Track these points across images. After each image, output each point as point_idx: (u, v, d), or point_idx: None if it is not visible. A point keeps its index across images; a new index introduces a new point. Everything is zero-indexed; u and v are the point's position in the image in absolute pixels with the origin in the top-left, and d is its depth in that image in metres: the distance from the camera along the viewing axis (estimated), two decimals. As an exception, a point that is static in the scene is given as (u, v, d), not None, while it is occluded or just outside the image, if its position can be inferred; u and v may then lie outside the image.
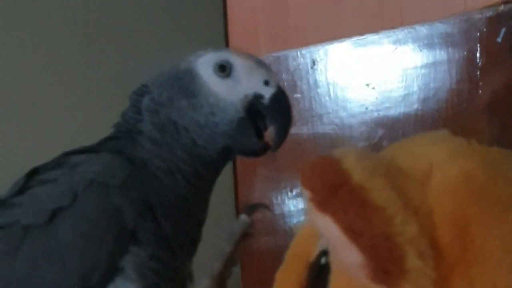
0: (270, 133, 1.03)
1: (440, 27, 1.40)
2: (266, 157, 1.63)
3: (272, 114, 1.03)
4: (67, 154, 1.05)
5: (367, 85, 1.48)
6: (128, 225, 0.97)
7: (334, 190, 0.70)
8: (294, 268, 0.89)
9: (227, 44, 1.73)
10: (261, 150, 1.05)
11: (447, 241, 0.73)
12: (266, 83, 1.03)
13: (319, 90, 1.57)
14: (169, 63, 1.09)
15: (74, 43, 1.64)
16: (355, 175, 0.71)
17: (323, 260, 0.83)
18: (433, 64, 1.40)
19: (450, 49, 1.38)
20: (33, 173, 1.04)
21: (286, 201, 1.62)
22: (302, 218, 1.61)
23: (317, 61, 1.57)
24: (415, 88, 1.43)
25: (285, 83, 1.52)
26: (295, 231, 0.96)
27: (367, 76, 1.49)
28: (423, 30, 1.42)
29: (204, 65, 1.04)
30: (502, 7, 1.31)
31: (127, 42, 1.69)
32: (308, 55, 1.58)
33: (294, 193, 1.61)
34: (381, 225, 0.69)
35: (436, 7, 1.44)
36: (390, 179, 0.73)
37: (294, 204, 1.61)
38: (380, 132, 1.48)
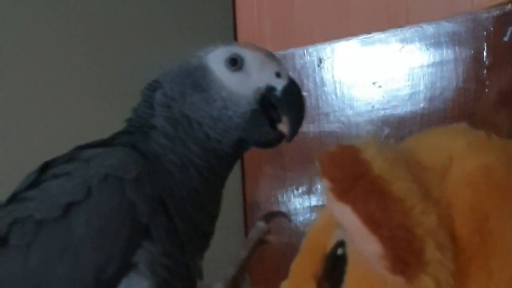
0: (284, 123, 1.03)
1: (447, 26, 1.40)
2: (273, 155, 1.64)
3: (286, 105, 1.02)
4: (80, 148, 1.05)
5: (374, 83, 1.48)
6: (142, 219, 0.96)
7: (354, 180, 0.70)
8: (309, 259, 0.88)
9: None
10: (276, 140, 1.04)
11: (465, 233, 0.73)
12: (278, 75, 1.03)
13: (325, 89, 1.57)
14: (178, 59, 1.09)
15: (83, 40, 1.63)
16: (375, 166, 0.71)
17: (339, 251, 0.82)
18: (440, 63, 1.41)
19: (456, 48, 1.39)
20: (45, 167, 1.04)
21: (292, 199, 1.62)
22: (307, 216, 1.61)
23: (324, 60, 1.57)
24: (422, 87, 1.43)
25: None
26: (308, 226, 0.95)
27: (374, 75, 1.49)
28: (430, 29, 1.42)
29: (215, 59, 1.04)
30: (509, 6, 1.32)
31: (136, 40, 1.69)
32: (314, 53, 1.58)
33: (299, 191, 1.61)
34: (400, 216, 0.69)
35: (443, 6, 1.44)
36: (410, 171, 0.73)
37: (299, 202, 1.61)
38: (387, 130, 1.48)
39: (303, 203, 1.61)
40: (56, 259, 0.95)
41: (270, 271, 1.62)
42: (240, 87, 1.02)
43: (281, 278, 1.64)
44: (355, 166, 0.71)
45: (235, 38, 1.74)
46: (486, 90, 1.34)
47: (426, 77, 1.43)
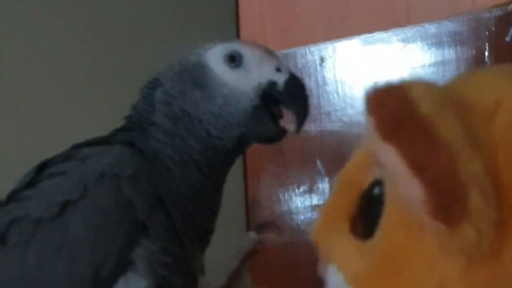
0: (285, 119, 1.03)
1: (449, 26, 1.39)
2: (274, 154, 1.64)
3: (289, 98, 1.03)
4: (77, 147, 1.05)
5: (376, 83, 1.47)
6: (140, 217, 0.97)
7: (400, 120, 0.66)
8: (343, 197, 0.82)
9: (237, 41, 1.73)
10: (279, 135, 1.04)
11: (510, 181, 0.69)
12: (278, 70, 1.03)
13: (327, 88, 1.56)
14: (178, 57, 1.08)
15: (83, 37, 1.63)
16: (423, 106, 0.67)
17: (376, 191, 0.77)
18: (442, 63, 1.40)
19: (458, 47, 1.38)
20: (42, 166, 1.04)
21: (293, 197, 1.62)
22: (309, 215, 1.60)
23: (326, 59, 1.56)
24: (423, 87, 1.42)
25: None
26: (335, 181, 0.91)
27: (376, 74, 1.48)
28: (431, 28, 1.42)
29: (214, 57, 1.04)
30: (511, 6, 1.31)
31: (138, 38, 1.68)
32: (316, 52, 1.57)
33: (301, 189, 1.60)
34: (446, 160, 0.65)
35: (444, 5, 1.43)
36: (457, 113, 0.70)
37: (301, 201, 1.60)
38: (388, 130, 1.47)
39: (304, 201, 1.60)
40: (53, 257, 0.95)
41: (271, 270, 1.62)
42: (240, 84, 1.02)
43: (283, 277, 1.64)
44: (402, 106, 0.67)
45: (238, 37, 1.73)
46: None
47: (428, 76, 1.42)
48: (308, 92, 1.05)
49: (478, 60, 1.35)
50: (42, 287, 0.96)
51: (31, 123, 1.56)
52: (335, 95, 1.55)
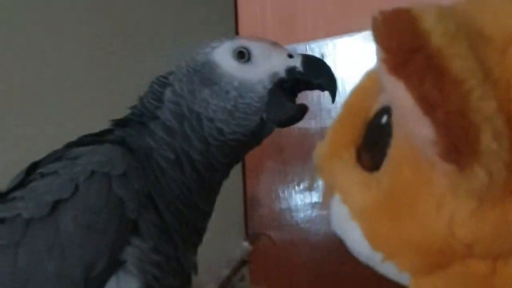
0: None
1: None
2: (274, 151, 1.63)
3: (313, 74, 1.03)
4: (70, 145, 1.04)
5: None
6: (130, 215, 0.96)
7: (410, 54, 0.62)
8: (350, 124, 0.80)
9: (236, 37, 1.71)
10: (299, 113, 1.04)
11: None
12: (291, 56, 1.04)
13: (327, 84, 1.55)
14: (183, 56, 1.08)
15: (82, 35, 1.62)
16: (435, 38, 0.63)
17: (383, 119, 0.74)
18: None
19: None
20: (33, 167, 1.03)
21: (293, 195, 1.61)
22: (308, 212, 1.59)
23: (326, 55, 1.55)
24: (424, 83, 1.41)
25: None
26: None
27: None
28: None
29: (222, 54, 1.04)
30: None
31: (137, 35, 1.68)
32: (317, 49, 1.56)
33: (301, 187, 1.60)
34: (458, 99, 0.61)
35: (446, 2, 1.42)
36: (471, 45, 0.65)
37: (300, 198, 1.59)
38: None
39: (304, 199, 1.60)
40: (44, 257, 0.94)
41: (270, 268, 1.61)
42: (253, 76, 1.03)
43: (282, 275, 1.63)
44: (412, 38, 0.63)
45: (237, 33, 1.72)
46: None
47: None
48: (327, 63, 1.04)
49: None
50: (33, 286, 0.95)
51: (30, 121, 1.55)
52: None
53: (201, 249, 1.10)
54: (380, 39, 0.65)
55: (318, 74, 1.03)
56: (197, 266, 1.08)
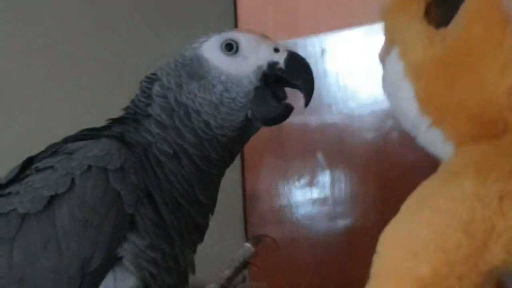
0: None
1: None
2: (274, 146, 1.62)
3: (293, 73, 1.02)
4: (66, 141, 1.03)
5: (377, 74, 1.45)
6: (127, 209, 0.95)
7: None
8: None
9: (236, 32, 1.70)
10: (285, 112, 1.03)
11: None
12: (277, 50, 1.03)
13: (328, 80, 1.53)
14: (174, 52, 1.07)
15: (82, 29, 1.61)
16: None
17: None
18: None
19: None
20: (28, 162, 1.02)
21: (293, 191, 1.60)
22: (309, 208, 1.59)
23: (327, 50, 1.54)
24: (426, 78, 1.40)
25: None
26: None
27: (378, 66, 1.46)
28: (435, 19, 1.39)
29: (210, 48, 1.03)
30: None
31: (136, 29, 1.67)
32: (317, 43, 1.55)
33: (301, 182, 1.59)
34: None
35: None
36: None
37: (301, 194, 1.59)
38: (390, 123, 1.46)
39: (304, 195, 1.59)
40: (40, 252, 0.93)
41: (271, 265, 1.61)
42: (239, 69, 1.02)
43: (282, 271, 1.62)
44: None
45: (236, 27, 1.71)
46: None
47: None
48: (310, 65, 1.04)
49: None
50: (29, 282, 0.93)
51: (27, 120, 1.54)
52: (336, 87, 1.53)
53: (199, 246, 1.08)
54: None
55: (298, 75, 1.03)
56: (195, 265, 1.07)
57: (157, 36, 1.68)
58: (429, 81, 0.72)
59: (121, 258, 0.95)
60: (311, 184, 1.58)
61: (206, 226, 1.07)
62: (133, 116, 1.05)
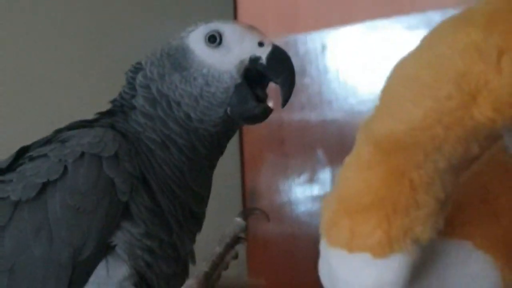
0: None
1: (453, 14, 1.36)
2: (274, 143, 1.62)
3: (273, 71, 0.99)
4: (59, 131, 1.02)
5: (378, 71, 1.45)
6: (121, 197, 0.94)
7: None
8: None
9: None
10: (263, 113, 1.01)
11: None
12: (261, 44, 1.00)
13: (328, 76, 1.53)
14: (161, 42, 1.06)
15: (82, 29, 1.61)
16: None
17: None
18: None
19: (463, 35, 1.35)
20: (22, 151, 1.01)
21: (293, 187, 1.60)
22: (309, 205, 1.59)
23: (327, 46, 1.54)
24: (427, 75, 1.40)
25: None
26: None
27: (378, 62, 1.46)
28: (435, 16, 1.39)
29: (195, 38, 1.01)
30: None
31: (134, 21, 1.67)
32: (318, 39, 1.55)
33: (301, 179, 1.59)
34: None
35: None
36: None
37: (301, 191, 1.59)
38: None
39: (304, 192, 1.59)
40: (31, 240, 0.92)
41: (270, 261, 1.61)
42: (222, 63, 1.00)
43: (282, 268, 1.62)
44: None
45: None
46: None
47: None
48: (293, 63, 1.01)
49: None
50: (20, 270, 0.92)
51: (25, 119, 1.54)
52: (336, 84, 1.53)
53: (199, 244, 1.08)
54: None
55: (278, 73, 1.00)
56: (195, 255, 1.07)
57: (157, 34, 1.68)
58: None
59: (114, 246, 0.94)
60: (311, 181, 1.57)
61: (202, 214, 1.05)
62: (120, 109, 1.04)
